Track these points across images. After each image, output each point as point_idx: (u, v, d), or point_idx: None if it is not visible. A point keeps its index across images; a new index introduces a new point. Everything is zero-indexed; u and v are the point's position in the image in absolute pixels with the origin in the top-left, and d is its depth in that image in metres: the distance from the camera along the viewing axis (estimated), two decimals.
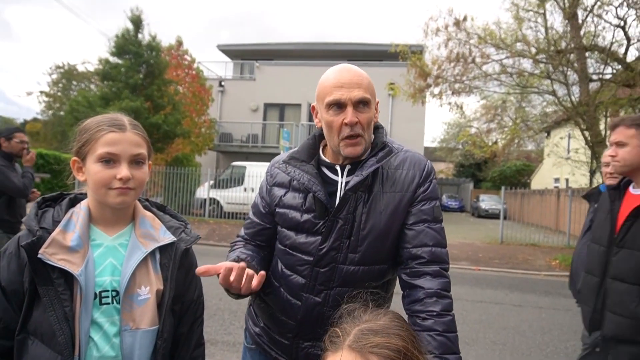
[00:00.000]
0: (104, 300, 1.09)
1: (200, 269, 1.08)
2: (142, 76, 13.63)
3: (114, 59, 13.68)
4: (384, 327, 0.84)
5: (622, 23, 9.22)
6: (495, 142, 14.94)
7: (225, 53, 23.90)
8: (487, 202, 25.00)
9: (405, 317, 1.14)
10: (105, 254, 1.12)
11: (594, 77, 10.22)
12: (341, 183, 1.32)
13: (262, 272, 1.13)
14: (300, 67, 20.15)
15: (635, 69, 8.92)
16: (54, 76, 27.01)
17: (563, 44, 10.12)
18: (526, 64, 11.06)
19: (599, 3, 9.36)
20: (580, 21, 9.70)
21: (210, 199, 14.19)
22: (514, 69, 10.92)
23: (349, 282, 1.28)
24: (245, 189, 13.90)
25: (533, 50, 10.45)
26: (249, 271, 1.11)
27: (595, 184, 10.77)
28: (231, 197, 13.96)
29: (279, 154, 1.54)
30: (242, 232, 1.48)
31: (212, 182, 14.31)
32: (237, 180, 14.24)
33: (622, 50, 9.61)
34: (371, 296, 0.98)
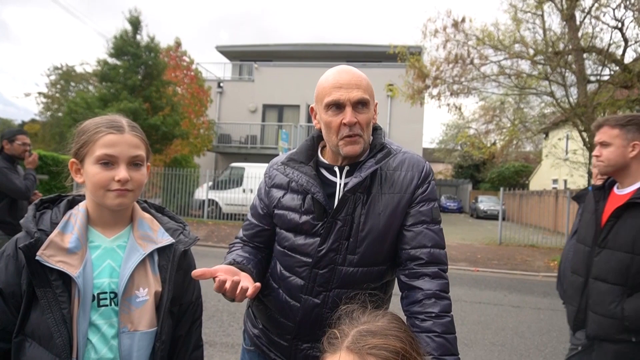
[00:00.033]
0: (102, 302, 1.08)
1: (196, 271, 1.08)
2: (140, 77, 13.62)
3: (112, 60, 13.68)
4: (382, 328, 0.84)
5: (619, 25, 9.26)
6: (494, 143, 14.98)
7: (224, 54, 23.91)
8: (486, 203, 25.02)
9: (404, 318, 1.14)
10: (103, 256, 1.12)
11: (592, 78, 10.26)
12: (340, 184, 1.32)
13: (257, 284, 1.12)
14: (298, 68, 20.17)
15: (632, 70, 8.96)
16: (52, 77, 26.96)
17: (561, 46, 10.15)
18: (524, 65, 11.10)
19: (596, 5, 9.40)
20: (578, 23, 9.73)
21: (209, 200, 14.17)
22: (512, 70, 10.95)
23: (348, 283, 1.28)
24: (244, 190, 13.90)
25: (531, 51, 10.48)
26: (243, 285, 1.10)
27: None
28: (230, 198, 13.95)
29: (277, 155, 1.55)
30: (240, 233, 1.48)
31: (210, 183, 14.30)
32: (236, 181, 14.24)
33: (619, 52, 9.65)
34: (369, 297, 0.98)
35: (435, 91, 11.35)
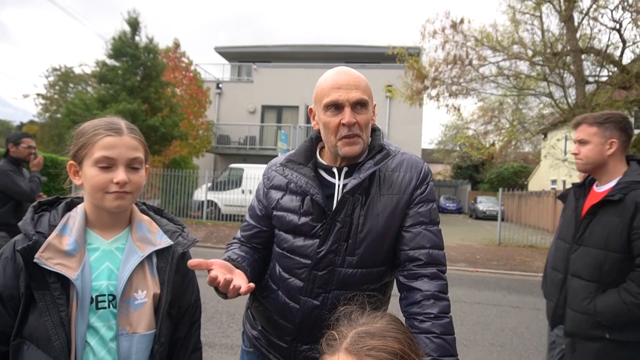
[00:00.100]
0: (100, 305, 1.08)
1: (192, 261, 1.09)
2: (139, 78, 13.61)
3: (111, 62, 13.66)
4: (381, 329, 0.84)
5: (617, 26, 9.28)
6: (493, 144, 14.99)
7: (223, 55, 23.91)
8: (485, 203, 25.03)
9: (403, 319, 1.14)
10: (101, 258, 1.12)
11: (590, 79, 10.28)
12: (338, 185, 1.33)
13: (251, 284, 1.12)
14: (297, 69, 20.17)
15: (630, 71, 8.98)
16: (51, 78, 26.92)
17: (559, 47, 10.17)
18: (523, 66, 11.13)
19: (594, 6, 9.42)
20: (576, 24, 9.76)
21: (208, 201, 14.15)
22: (511, 71, 10.98)
23: (347, 284, 1.28)
24: (243, 191, 13.89)
25: (530, 52, 10.51)
26: (236, 283, 1.10)
27: None
28: (229, 199, 13.94)
29: (276, 156, 1.55)
30: (238, 234, 1.48)
31: (209, 184, 14.29)
32: (235, 182, 14.23)
33: (617, 53, 9.67)
34: (368, 299, 0.98)
35: (434, 92, 11.37)
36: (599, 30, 10.11)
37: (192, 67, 17.70)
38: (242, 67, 22.98)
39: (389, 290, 1.43)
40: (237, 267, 1.22)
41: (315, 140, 1.42)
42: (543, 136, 19.93)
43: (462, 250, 11.09)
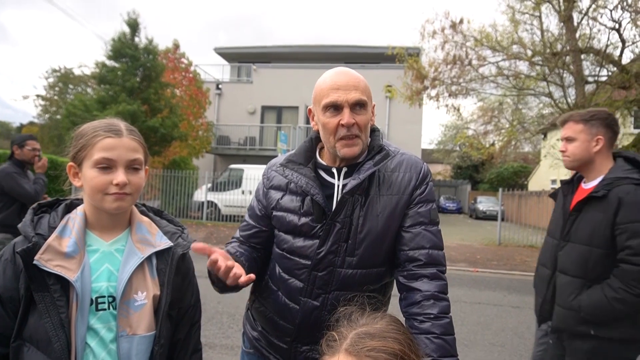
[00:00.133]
0: (100, 306, 1.08)
1: (197, 244, 1.09)
2: (139, 79, 13.61)
3: (110, 63, 13.66)
4: (381, 330, 0.84)
5: (617, 26, 9.29)
6: (493, 144, 15.00)
7: (223, 56, 23.91)
8: (485, 203, 25.03)
9: (403, 320, 1.14)
10: (101, 260, 1.12)
11: (590, 79, 10.29)
12: (338, 186, 1.33)
13: (252, 275, 1.13)
14: (297, 69, 20.18)
15: (630, 71, 8.98)
16: (51, 80, 26.92)
17: (559, 47, 10.18)
18: (522, 66, 11.14)
19: (594, 6, 9.42)
20: (575, 24, 9.76)
21: (208, 201, 14.16)
22: (510, 71, 10.98)
23: (347, 285, 1.28)
24: (243, 192, 13.88)
25: (529, 52, 10.51)
26: (237, 271, 1.11)
27: None
28: (229, 200, 13.94)
29: (276, 156, 1.55)
30: (237, 233, 1.48)
31: (209, 185, 14.29)
32: (235, 183, 14.23)
33: (617, 53, 9.68)
34: (368, 300, 0.98)
35: (433, 92, 11.37)
36: (599, 30, 10.14)
37: (192, 68, 17.71)
38: (242, 68, 22.99)
39: (389, 291, 1.43)
40: (236, 261, 1.23)
41: (315, 141, 1.43)
42: (543, 136, 19.94)
43: (462, 250, 11.09)
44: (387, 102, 18.69)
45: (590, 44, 9.90)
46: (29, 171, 3.81)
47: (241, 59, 23.42)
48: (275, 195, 1.38)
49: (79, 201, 1.19)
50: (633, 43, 9.70)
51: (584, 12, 9.67)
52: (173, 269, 1.17)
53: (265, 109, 20.94)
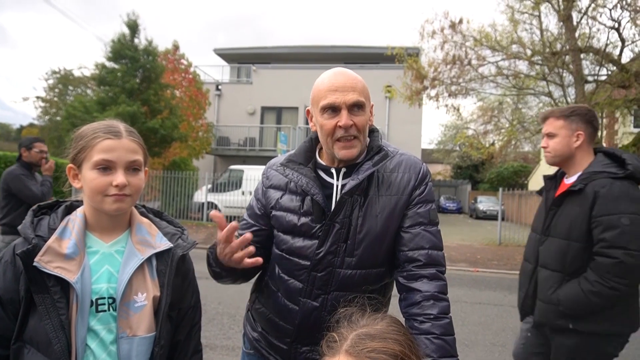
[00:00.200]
0: (100, 308, 1.08)
1: (215, 213, 1.15)
2: (138, 81, 13.62)
3: (110, 64, 13.68)
4: (381, 331, 0.84)
5: (616, 25, 9.29)
6: (493, 144, 15.00)
7: (222, 57, 23.92)
8: (485, 203, 25.02)
9: (403, 320, 1.14)
10: (101, 261, 1.12)
11: (590, 78, 10.29)
12: (337, 186, 1.33)
13: (259, 259, 1.16)
14: (297, 70, 20.18)
15: (630, 70, 8.98)
16: (50, 81, 26.94)
17: (558, 46, 10.18)
18: (522, 66, 11.14)
19: (593, 5, 9.42)
20: (575, 23, 9.76)
21: (208, 202, 14.15)
22: (510, 70, 10.98)
23: (347, 286, 1.28)
24: (243, 193, 13.88)
25: (528, 52, 10.52)
26: (252, 248, 1.16)
27: None
28: (229, 201, 13.93)
29: (276, 157, 1.55)
30: (235, 232, 1.48)
31: (209, 185, 14.29)
32: (235, 183, 14.23)
33: (616, 52, 9.68)
34: (369, 300, 0.98)
35: (433, 92, 11.37)
36: (598, 30, 10.13)
37: (192, 69, 17.72)
38: (242, 69, 23.00)
39: (389, 291, 1.43)
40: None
41: (315, 141, 1.43)
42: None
43: (462, 250, 11.08)
44: (386, 102, 18.69)
45: (589, 43, 9.90)
46: (36, 173, 3.88)
47: (241, 59, 23.42)
48: (275, 194, 1.38)
49: (79, 203, 1.19)
50: (632, 42, 9.71)
51: (583, 11, 9.67)
52: (173, 270, 1.17)
53: (265, 109, 20.94)
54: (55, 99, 26.85)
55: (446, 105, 11.71)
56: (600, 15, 9.70)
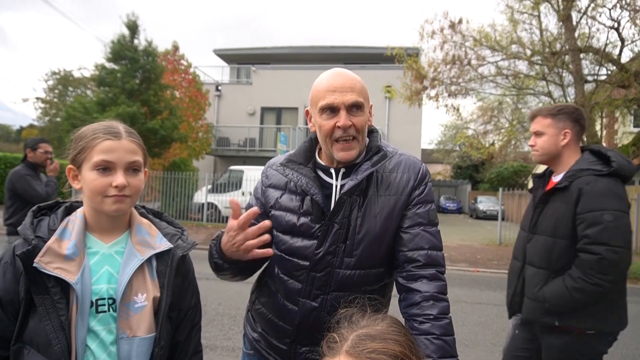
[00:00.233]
0: (100, 309, 1.08)
1: (233, 199, 1.19)
2: (138, 81, 13.63)
3: (110, 65, 13.68)
4: (382, 332, 0.84)
5: (615, 25, 9.28)
6: (492, 144, 15.01)
7: (222, 57, 23.93)
8: (485, 203, 25.03)
9: (402, 320, 1.14)
10: (101, 262, 1.12)
11: (589, 78, 10.28)
12: (336, 186, 1.33)
13: (270, 250, 1.17)
14: (296, 70, 20.19)
15: (629, 70, 8.98)
16: (50, 82, 26.97)
17: (558, 46, 10.17)
18: (522, 66, 11.13)
19: (592, 5, 9.42)
20: (574, 23, 9.75)
21: (208, 203, 14.16)
22: (510, 70, 10.98)
23: (346, 286, 1.28)
24: (243, 193, 13.88)
25: (528, 52, 10.51)
26: (265, 236, 1.18)
27: None
28: (229, 202, 13.92)
29: (275, 156, 1.55)
30: None
31: (209, 186, 14.29)
32: (235, 184, 14.23)
33: (616, 52, 9.67)
34: (369, 301, 0.98)
35: (433, 92, 11.37)
36: (598, 29, 10.11)
37: (191, 70, 17.72)
38: (241, 69, 23.01)
39: (389, 292, 1.43)
40: None
41: (314, 141, 1.43)
42: None
43: (462, 250, 11.08)
44: (386, 103, 18.69)
45: (589, 43, 9.90)
46: (41, 174, 3.92)
47: (240, 60, 23.43)
48: (274, 193, 1.38)
49: (79, 204, 1.19)
50: (632, 42, 9.70)
51: (582, 11, 9.66)
52: (173, 271, 1.17)
53: (264, 110, 20.95)
54: (55, 99, 26.86)
55: (446, 106, 11.71)
56: (600, 15, 9.70)
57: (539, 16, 10.29)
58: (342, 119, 1.25)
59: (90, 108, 12.94)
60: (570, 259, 1.83)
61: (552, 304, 1.84)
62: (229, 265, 1.32)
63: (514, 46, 10.68)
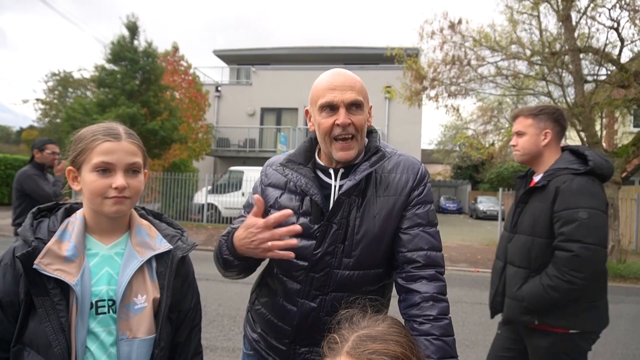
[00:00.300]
0: (100, 310, 1.08)
1: (258, 197, 1.20)
2: (138, 82, 13.63)
3: (110, 66, 13.69)
4: (382, 333, 0.84)
5: (615, 25, 9.28)
6: (492, 144, 15.00)
7: (222, 58, 23.94)
8: (485, 203, 25.03)
9: (402, 321, 1.14)
10: (101, 263, 1.12)
11: (589, 78, 10.28)
12: (335, 186, 1.33)
13: (292, 253, 1.17)
14: (296, 71, 20.20)
15: (629, 70, 8.98)
16: (50, 83, 26.96)
17: (557, 46, 10.17)
18: (521, 66, 11.13)
19: (592, 5, 9.43)
20: (574, 23, 9.76)
21: (208, 204, 14.16)
22: (509, 71, 10.98)
23: (345, 286, 1.28)
24: (243, 194, 13.88)
25: (528, 52, 10.51)
26: (294, 241, 1.17)
27: None
28: (229, 202, 13.93)
29: (274, 155, 1.55)
30: (235, 224, 1.47)
31: (209, 187, 14.29)
32: (235, 185, 14.23)
33: (616, 52, 9.67)
34: (369, 302, 0.98)
35: (432, 92, 11.37)
36: (597, 30, 10.11)
37: (191, 71, 17.74)
38: (241, 70, 23.02)
39: (388, 292, 1.43)
40: None
41: (314, 141, 1.43)
42: None
43: (462, 250, 11.08)
44: (386, 103, 18.70)
45: (589, 43, 9.90)
46: (48, 174, 3.98)
47: (240, 61, 23.44)
48: (274, 193, 1.38)
49: (79, 205, 1.19)
50: (632, 42, 9.70)
51: (582, 11, 9.67)
52: (173, 272, 1.17)
53: (264, 110, 20.95)
54: (55, 101, 26.87)
55: (446, 106, 11.71)
56: (599, 15, 9.70)
57: (538, 16, 10.29)
58: (342, 116, 1.25)
59: (90, 109, 12.94)
60: (549, 257, 1.84)
61: (530, 302, 1.85)
62: (238, 262, 1.30)
63: (513, 46, 10.68)
